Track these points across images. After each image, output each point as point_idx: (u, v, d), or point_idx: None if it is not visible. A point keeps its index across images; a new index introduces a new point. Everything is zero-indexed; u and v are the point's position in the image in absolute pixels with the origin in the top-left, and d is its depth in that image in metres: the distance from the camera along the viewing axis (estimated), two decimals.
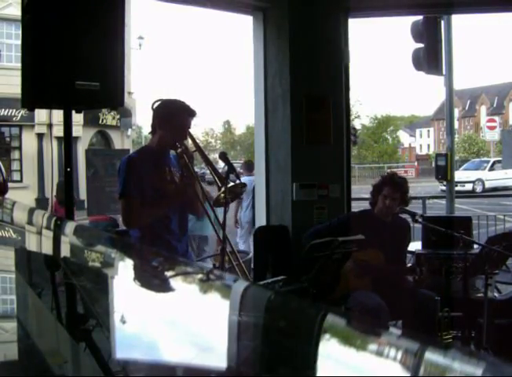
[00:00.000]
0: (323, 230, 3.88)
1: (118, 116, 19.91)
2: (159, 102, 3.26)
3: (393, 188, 3.84)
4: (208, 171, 3.34)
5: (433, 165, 11.38)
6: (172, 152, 3.25)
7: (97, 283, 1.28)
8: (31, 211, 2.93)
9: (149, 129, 3.33)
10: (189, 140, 3.44)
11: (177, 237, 3.21)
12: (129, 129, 22.43)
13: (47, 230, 1.94)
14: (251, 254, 4.45)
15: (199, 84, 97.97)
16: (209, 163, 3.40)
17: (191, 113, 3.21)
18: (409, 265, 4.25)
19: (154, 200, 3.09)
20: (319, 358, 0.68)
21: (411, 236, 4.52)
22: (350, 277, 3.68)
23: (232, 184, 3.19)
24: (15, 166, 18.62)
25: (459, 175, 20.96)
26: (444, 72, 6.82)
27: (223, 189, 3.16)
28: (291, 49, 4.86)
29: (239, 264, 3.34)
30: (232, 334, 0.82)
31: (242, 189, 3.33)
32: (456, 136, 31.12)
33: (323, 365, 0.66)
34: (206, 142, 51.07)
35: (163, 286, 1.12)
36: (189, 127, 3.26)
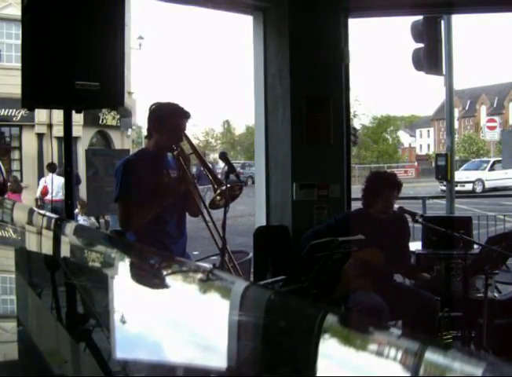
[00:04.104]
0: (321, 230, 3.87)
1: (118, 116, 19.90)
2: (153, 106, 3.27)
3: (393, 189, 3.84)
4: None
5: (433, 165, 11.39)
6: (170, 154, 3.25)
7: (97, 283, 1.28)
8: (31, 211, 2.93)
9: None
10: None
11: (173, 239, 3.22)
12: (129, 129, 22.43)
13: (47, 230, 1.94)
14: (251, 254, 4.44)
15: (199, 84, 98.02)
16: (205, 165, 3.40)
17: (185, 115, 3.21)
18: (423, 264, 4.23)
19: (150, 201, 3.09)
20: (319, 358, 0.68)
21: (412, 236, 4.52)
22: (350, 277, 3.67)
23: (228, 185, 3.18)
24: (15, 166, 18.61)
25: (459, 175, 20.98)
26: (444, 72, 6.82)
27: (219, 191, 3.16)
28: (291, 49, 4.86)
29: (233, 265, 3.35)
30: (232, 334, 0.82)
31: (239, 191, 3.33)
32: (456, 136, 31.11)
33: (323, 365, 0.66)
34: (206, 142, 51.04)
35: (163, 286, 1.12)
36: (184, 129, 3.26)
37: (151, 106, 3.27)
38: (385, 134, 47.66)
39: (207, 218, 3.29)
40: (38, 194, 11.36)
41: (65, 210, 3.24)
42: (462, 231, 3.66)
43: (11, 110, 17.39)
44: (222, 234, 3.20)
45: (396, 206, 3.95)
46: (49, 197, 10.88)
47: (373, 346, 0.70)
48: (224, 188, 3.12)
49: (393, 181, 3.90)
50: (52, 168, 11.46)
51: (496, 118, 37.08)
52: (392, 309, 3.46)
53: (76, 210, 9.85)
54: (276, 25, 4.98)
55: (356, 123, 37.55)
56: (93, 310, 1.11)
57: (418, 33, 6.34)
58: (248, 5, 5.10)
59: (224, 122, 52.27)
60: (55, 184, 10.43)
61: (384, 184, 3.85)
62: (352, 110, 14.36)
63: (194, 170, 4.98)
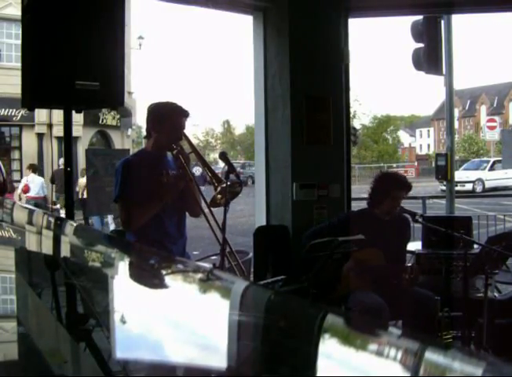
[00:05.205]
0: (323, 230, 3.87)
1: (118, 116, 19.91)
2: (152, 106, 3.26)
3: (403, 190, 3.83)
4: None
5: (433, 165, 11.38)
6: (170, 154, 3.25)
7: (97, 283, 1.28)
8: (31, 211, 2.93)
9: None
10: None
11: (173, 240, 3.21)
12: (129, 129, 22.45)
13: (47, 230, 1.94)
14: (251, 254, 4.44)
15: (199, 84, 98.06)
16: (205, 164, 3.40)
17: (184, 113, 3.21)
18: (408, 264, 4.25)
19: (149, 200, 3.09)
20: (319, 358, 0.68)
21: (412, 236, 4.52)
22: (350, 277, 3.67)
23: (228, 183, 3.17)
24: (15, 166, 18.62)
25: (459, 175, 20.97)
26: (444, 72, 6.82)
27: (219, 189, 3.15)
28: (291, 49, 4.86)
29: (237, 264, 3.34)
30: (232, 334, 0.82)
31: (239, 188, 3.33)
32: (456, 136, 31.09)
33: (323, 365, 0.66)
34: (206, 142, 51.07)
35: (163, 286, 1.12)
36: (183, 128, 3.25)
37: (150, 106, 3.27)
38: (385, 134, 47.68)
39: (209, 217, 3.29)
40: (19, 191, 12.56)
41: (65, 209, 3.24)
42: (462, 231, 3.66)
43: (11, 110, 17.40)
44: (222, 234, 3.20)
45: None
46: (29, 194, 12.29)
47: (373, 346, 0.70)
48: (224, 185, 3.12)
49: (403, 182, 3.88)
50: (33, 169, 12.88)
51: (496, 118, 37.05)
52: (392, 309, 3.46)
53: (58, 206, 11.06)
54: (276, 25, 4.98)
55: (356, 123, 37.57)
56: (93, 310, 1.11)
57: (418, 33, 6.34)
58: (248, 5, 5.10)
59: (224, 122, 52.32)
60: (35, 183, 12.58)
61: (394, 185, 3.83)
62: (352, 110, 14.39)
63: None
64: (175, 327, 0.88)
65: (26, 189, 12.45)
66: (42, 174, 17.51)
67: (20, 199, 12.26)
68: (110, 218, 11.08)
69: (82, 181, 11.31)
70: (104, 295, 1.16)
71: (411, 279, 3.64)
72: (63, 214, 10.09)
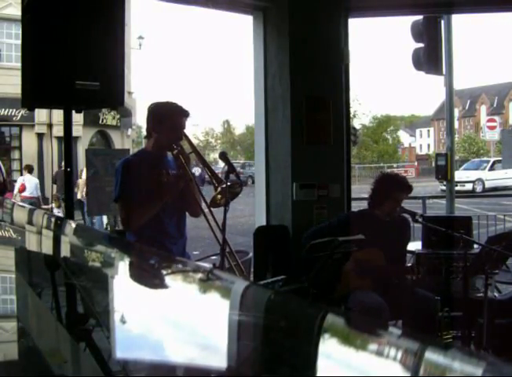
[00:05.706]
0: (323, 230, 3.87)
1: (118, 116, 19.93)
2: (152, 106, 3.26)
3: (404, 192, 3.83)
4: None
5: (433, 165, 11.38)
6: (170, 154, 3.25)
7: (97, 283, 1.28)
8: (31, 211, 2.93)
9: None
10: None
11: (173, 240, 3.21)
12: (129, 129, 22.46)
13: (47, 230, 1.94)
14: (251, 254, 4.44)
15: (199, 84, 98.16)
16: (205, 164, 3.40)
17: (184, 113, 3.21)
18: (408, 264, 4.25)
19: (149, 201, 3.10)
20: (319, 358, 0.68)
21: (412, 236, 4.52)
22: (351, 277, 3.67)
23: (228, 183, 3.17)
24: (15, 166, 18.63)
25: (459, 175, 20.97)
26: (444, 72, 6.81)
27: (219, 189, 3.15)
28: (291, 49, 4.86)
29: (237, 264, 3.34)
30: (232, 334, 0.82)
31: (239, 188, 3.32)
32: (456, 136, 31.08)
33: (323, 365, 0.66)
34: (206, 142, 51.12)
35: (163, 286, 1.12)
36: (183, 127, 3.25)
37: (150, 106, 3.27)
38: (385, 134, 47.67)
39: (209, 217, 3.29)
40: (15, 191, 12.93)
41: (64, 209, 3.25)
42: (462, 231, 3.66)
43: (11, 110, 17.41)
44: (222, 234, 3.20)
45: None
46: (24, 194, 12.77)
47: (373, 346, 0.70)
48: (224, 185, 3.12)
49: (404, 184, 3.88)
50: (29, 169, 13.36)
51: (496, 118, 37.07)
52: (392, 309, 3.46)
53: (52, 205, 12.01)
54: (276, 25, 4.98)
55: (356, 123, 37.55)
56: (93, 310, 1.11)
57: (418, 33, 6.34)
58: (248, 5, 5.10)
59: (224, 122, 52.37)
60: (30, 183, 13.09)
61: (394, 187, 3.83)
62: (352, 110, 14.38)
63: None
64: (175, 327, 0.88)
65: (22, 188, 12.87)
66: (41, 174, 17.61)
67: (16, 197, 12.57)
68: (105, 218, 11.19)
69: (80, 181, 11.37)
70: (104, 295, 1.16)
71: (414, 280, 3.65)
72: (57, 213, 10.41)
